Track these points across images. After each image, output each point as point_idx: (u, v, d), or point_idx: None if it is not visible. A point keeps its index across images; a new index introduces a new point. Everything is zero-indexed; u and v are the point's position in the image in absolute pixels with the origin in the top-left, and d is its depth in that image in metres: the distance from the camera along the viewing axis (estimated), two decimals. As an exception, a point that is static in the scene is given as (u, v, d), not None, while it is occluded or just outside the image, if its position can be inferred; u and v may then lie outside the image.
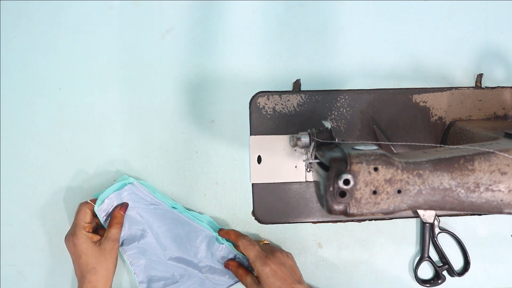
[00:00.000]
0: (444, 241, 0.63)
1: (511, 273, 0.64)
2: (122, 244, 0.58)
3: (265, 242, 0.61)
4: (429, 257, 0.62)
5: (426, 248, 0.62)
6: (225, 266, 0.60)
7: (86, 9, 0.60)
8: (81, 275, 0.53)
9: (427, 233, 0.62)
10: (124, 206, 0.57)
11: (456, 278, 0.63)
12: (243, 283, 0.57)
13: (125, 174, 0.60)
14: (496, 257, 0.64)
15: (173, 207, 0.59)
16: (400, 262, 0.63)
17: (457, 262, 0.63)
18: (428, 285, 0.63)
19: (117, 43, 0.60)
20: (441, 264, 0.63)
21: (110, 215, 0.57)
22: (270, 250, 0.57)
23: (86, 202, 0.56)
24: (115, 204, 0.57)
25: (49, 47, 0.60)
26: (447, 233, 0.62)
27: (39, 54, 0.60)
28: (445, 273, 0.63)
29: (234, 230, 0.60)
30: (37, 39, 0.60)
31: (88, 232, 0.55)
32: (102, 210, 0.56)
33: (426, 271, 0.64)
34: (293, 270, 0.56)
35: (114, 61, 0.60)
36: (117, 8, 0.60)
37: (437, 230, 0.62)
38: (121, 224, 0.57)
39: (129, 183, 0.57)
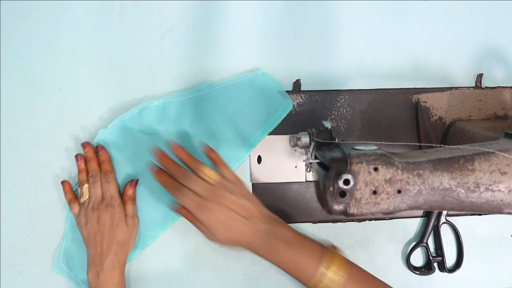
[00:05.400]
0: (444, 235, 0.62)
1: (511, 273, 0.64)
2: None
3: None
4: (427, 244, 0.62)
5: (427, 234, 0.61)
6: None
7: (86, 9, 0.60)
8: (107, 246, 0.54)
9: (432, 219, 0.61)
10: (134, 182, 0.58)
11: (456, 278, 0.63)
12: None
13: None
14: (496, 257, 0.64)
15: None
16: (400, 262, 0.63)
17: (450, 259, 0.63)
18: (417, 272, 0.62)
19: (117, 43, 0.60)
20: (435, 255, 0.63)
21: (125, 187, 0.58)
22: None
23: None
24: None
25: (49, 47, 0.60)
26: (451, 226, 0.62)
27: (39, 54, 0.60)
28: (435, 266, 0.62)
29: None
30: (37, 39, 0.60)
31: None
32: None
33: (417, 259, 0.63)
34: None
35: (114, 61, 0.60)
36: (117, 8, 0.60)
37: (443, 219, 0.62)
38: (134, 200, 0.58)
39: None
